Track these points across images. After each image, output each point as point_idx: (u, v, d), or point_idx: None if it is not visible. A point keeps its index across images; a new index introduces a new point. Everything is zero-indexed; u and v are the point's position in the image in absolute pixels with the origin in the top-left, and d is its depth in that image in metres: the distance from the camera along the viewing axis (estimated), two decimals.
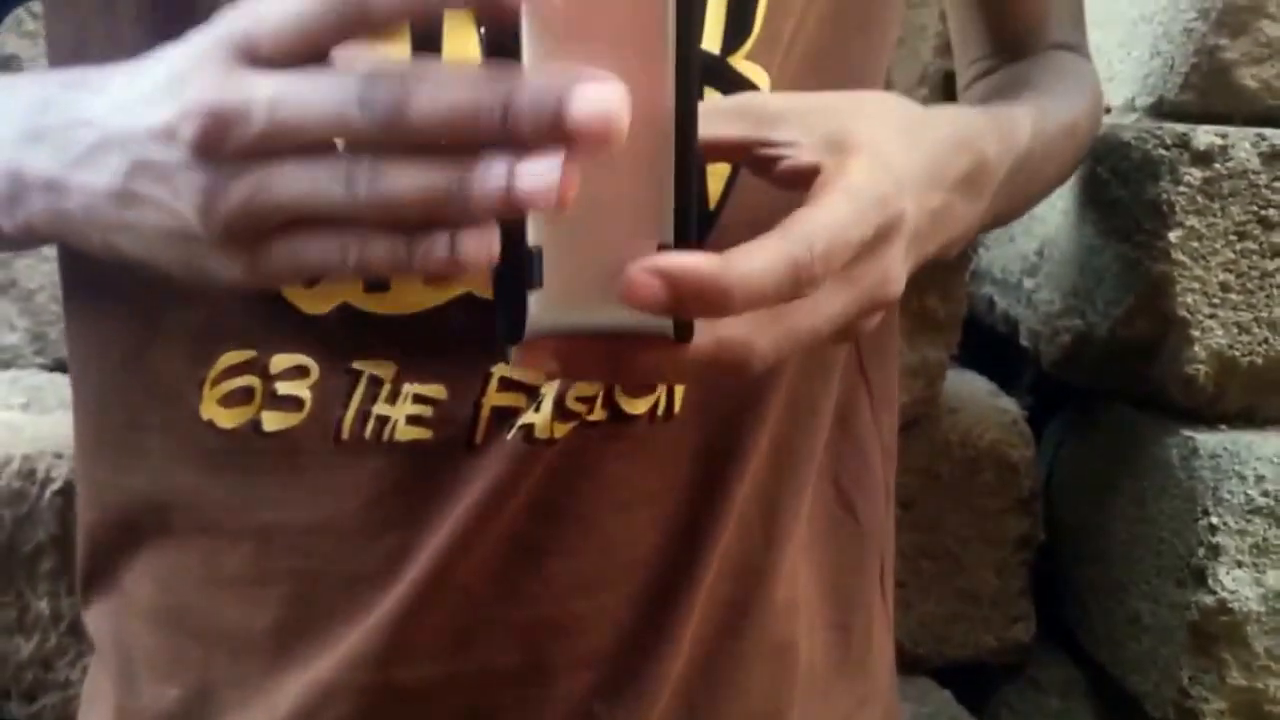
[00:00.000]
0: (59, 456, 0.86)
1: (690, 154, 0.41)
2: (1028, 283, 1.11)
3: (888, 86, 0.70)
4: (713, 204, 0.57)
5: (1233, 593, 0.86)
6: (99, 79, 0.47)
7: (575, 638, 0.60)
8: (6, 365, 1.09)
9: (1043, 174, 0.73)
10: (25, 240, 0.52)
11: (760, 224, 0.49)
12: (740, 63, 0.57)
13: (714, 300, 0.41)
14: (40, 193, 0.48)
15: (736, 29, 0.57)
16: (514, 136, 0.37)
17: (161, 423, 0.60)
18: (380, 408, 0.57)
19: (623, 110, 0.37)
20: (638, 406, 0.59)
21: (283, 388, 0.57)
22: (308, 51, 0.40)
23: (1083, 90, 0.78)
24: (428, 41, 0.53)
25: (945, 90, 1.23)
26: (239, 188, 0.41)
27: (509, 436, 0.57)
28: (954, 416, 1.06)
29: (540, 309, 0.41)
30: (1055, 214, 1.04)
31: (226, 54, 0.41)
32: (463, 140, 0.38)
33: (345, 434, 0.57)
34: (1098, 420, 1.06)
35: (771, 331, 0.45)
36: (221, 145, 0.41)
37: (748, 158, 0.50)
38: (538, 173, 0.37)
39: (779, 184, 0.50)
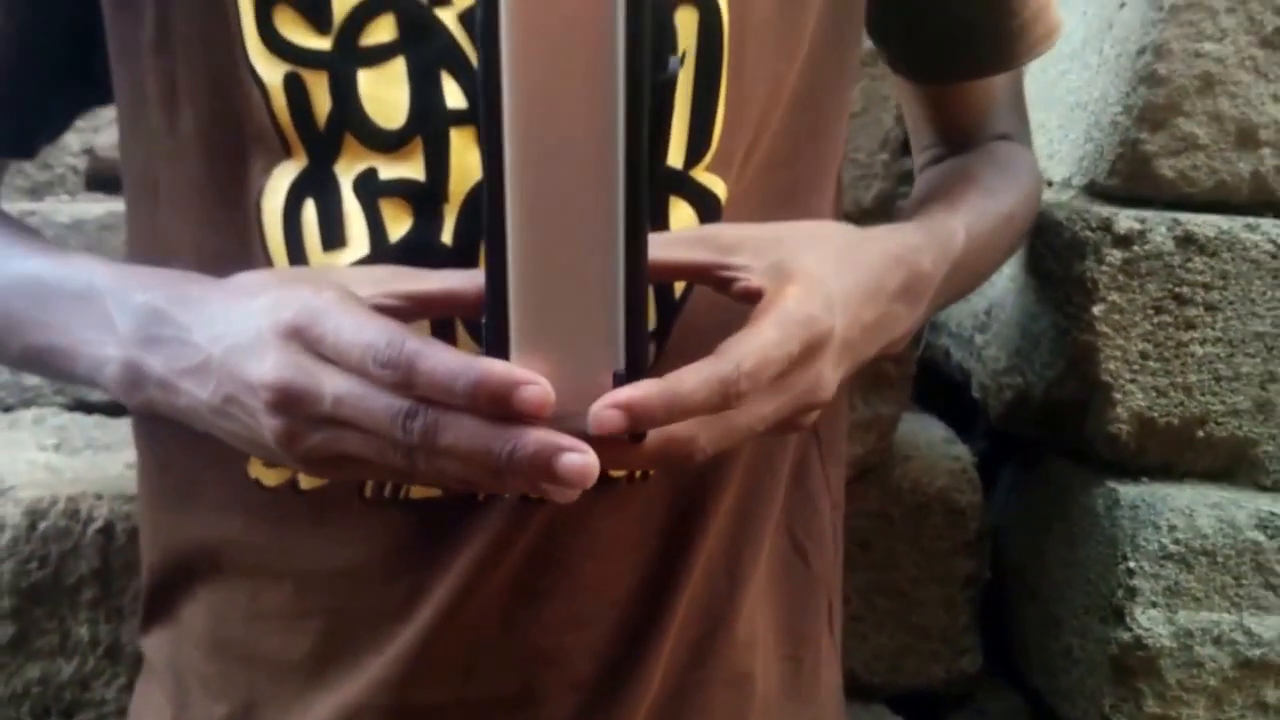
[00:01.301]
0: (99, 497, 0.94)
1: (640, 300, 0.51)
2: (978, 339, 1.20)
3: (840, 175, 0.80)
4: (678, 294, 0.67)
5: (1148, 630, 0.95)
6: (199, 300, 0.60)
7: (564, 668, 0.68)
8: (28, 404, 1.18)
9: (981, 265, 0.82)
10: (144, 412, 0.65)
11: (715, 311, 0.59)
12: (701, 174, 0.66)
13: (660, 419, 0.52)
14: (156, 387, 0.61)
15: (697, 145, 0.66)
16: (511, 473, 0.50)
17: (215, 480, 0.69)
18: None
19: (594, 472, 0.49)
20: (618, 471, 0.68)
21: None
22: (360, 370, 0.52)
23: (1020, 181, 0.86)
24: (435, 182, 0.63)
25: (905, 152, 1.33)
26: (313, 436, 0.54)
27: (507, 495, 0.66)
28: (907, 464, 1.15)
29: None
30: (1003, 279, 1.13)
31: (301, 341, 0.54)
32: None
33: (368, 492, 0.66)
34: (1037, 469, 1.15)
35: (711, 430, 0.55)
36: (292, 413, 0.54)
37: (708, 279, 0.60)
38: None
39: (735, 300, 0.59)
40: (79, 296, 0.64)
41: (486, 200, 0.50)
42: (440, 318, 0.61)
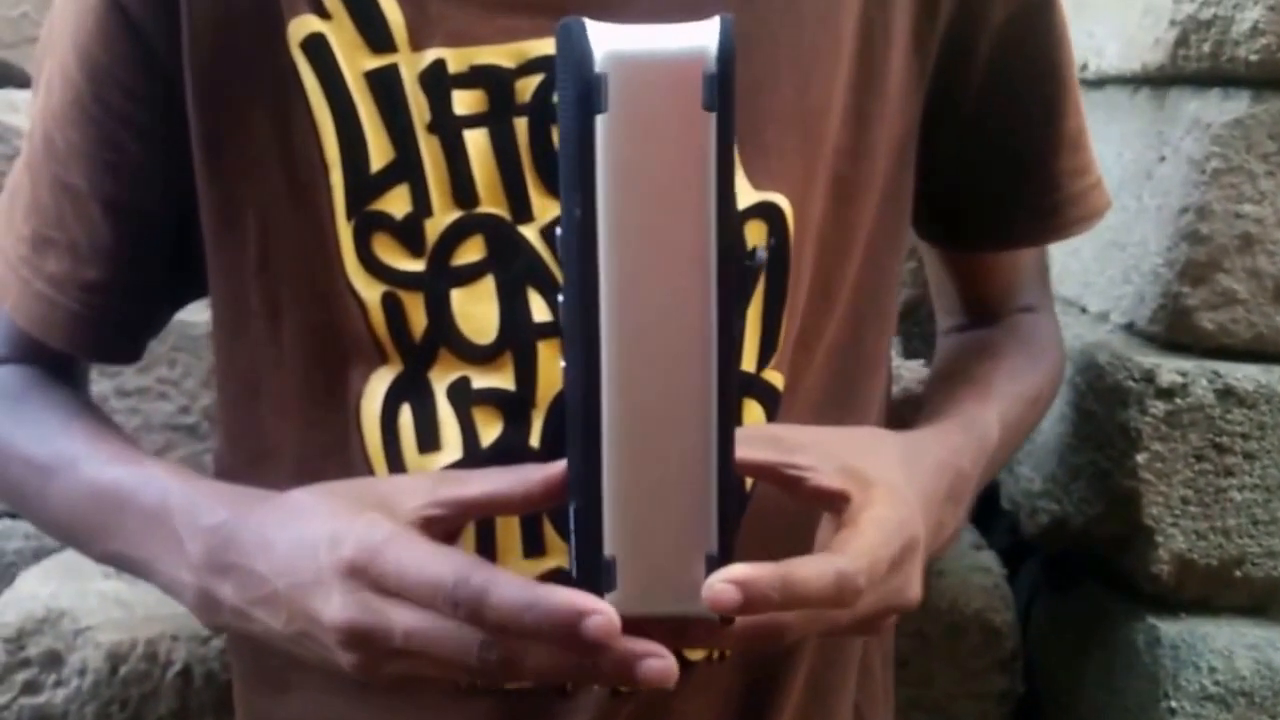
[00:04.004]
0: (175, 639, 0.97)
1: (729, 487, 0.53)
2: None
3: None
4: (747, 488, 0.70)
5: None
6: (258, 526, 0.62)
7: None
8: None
9: (1011, 449, 0.85)
10: (222, 631, 0.68)
11: (782, 505, 0.62)
12: (767, 373, 0.70)
13: (774, 604, 0.53)
14: (230, 614, 0.63)
15: (767, 348, 0.70)
16: (592, 680, 0.53)
17: (312, 666, 0.71)
18: None
19: (674, 675, 0.51)
20: (698, 652, 0.71)
21: None
22: (429, 606, 0.54)
23: (1044, 363, 0.88)
24: (524, 391, 0.66)
25: None
26: (389, 665, 0.56)
27: (595, 688, 0.69)
28: (940, 581, 1.18)
29: (613, 602, 0.52)
30: None
31: (354, 575, 0.55)
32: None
33: (463, 682, 0.69)
34: (1072, 587, 1.19)
35: (803, 619, 0.56)
36: (365, 649, 0.56)
37: (775, 476, 0.62)
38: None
39: (802, 500, 0.61)
40: (152, 514, 0.67)
41: (577, 394, 0.52)
42: (487, 517, 0.64)
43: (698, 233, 0.50)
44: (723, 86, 0.49)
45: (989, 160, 0.81)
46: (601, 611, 0.50)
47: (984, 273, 0.91)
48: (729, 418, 0.52)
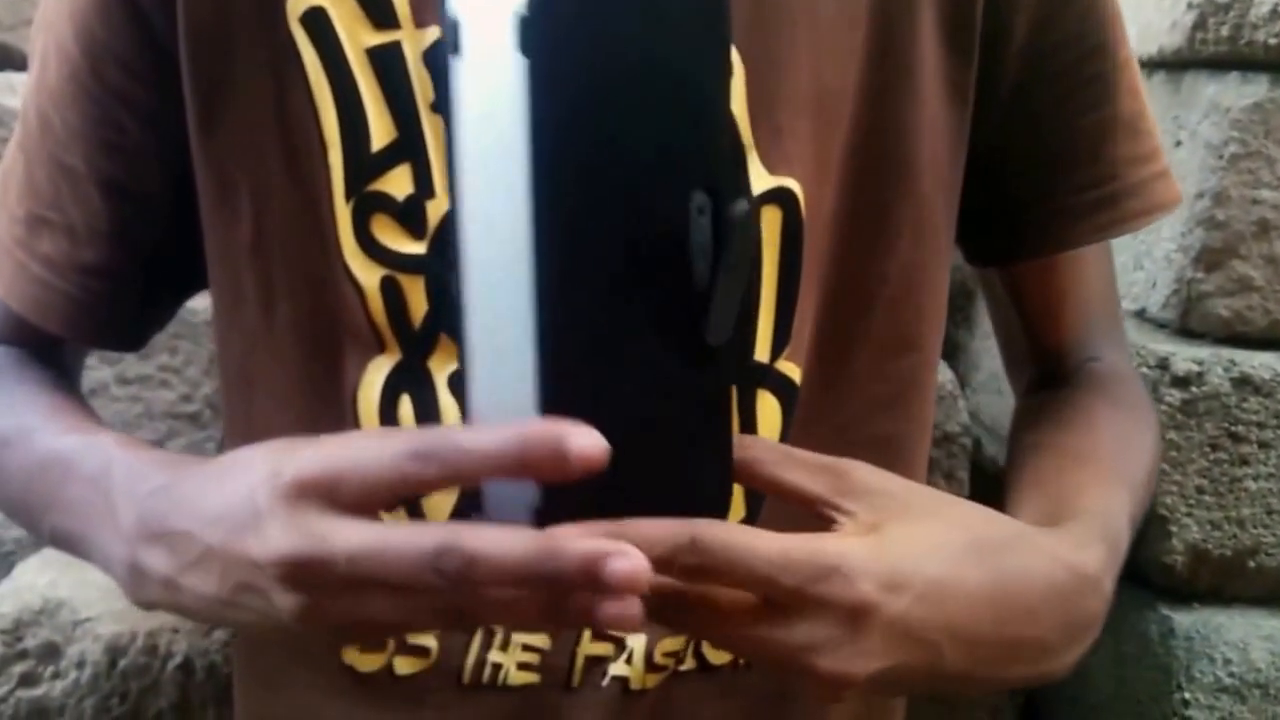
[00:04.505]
0: (176, 631, 0.95)
1: None
2: None
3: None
4: None
5: None
6: (192, 486, 0.56)
7: None
8: None
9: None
10: (152, 610, 0.61)
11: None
12: (782, 364, 0.67)
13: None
14: (159, 586, 0.57)
15: (780, 338, 0.67)
16: (561, 589, 0.46)
17: (308, 662, 0.70)
18: (495, 655, 0.67)
19: (644, 575, 0.45)
20: (722, 656, 0.69)
21: (413, 637, 0.67)
22: (375, 504, 0.49)
23: (1150, 435, 0.78)
24: None
25: None
26: (334, 607, 0.49)
27: (603, 684, 0.67)
28: None
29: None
30: None
31: (300, 496, 0.49)
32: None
33: (466, 679, 0.68)
34: None
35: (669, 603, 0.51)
36: (307, 584, 0.49)
37: (812, 511, 0.55)
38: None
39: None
40: (92, 483, 0.62)
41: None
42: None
43: (509, 196, 0.47)
44: (533, 29, 0.45)
45: (1037, 152, 0.74)
46: (584, 433, 0.44)
47: (1050, 303, 0.82)
48: (563, 396, 0.47)
